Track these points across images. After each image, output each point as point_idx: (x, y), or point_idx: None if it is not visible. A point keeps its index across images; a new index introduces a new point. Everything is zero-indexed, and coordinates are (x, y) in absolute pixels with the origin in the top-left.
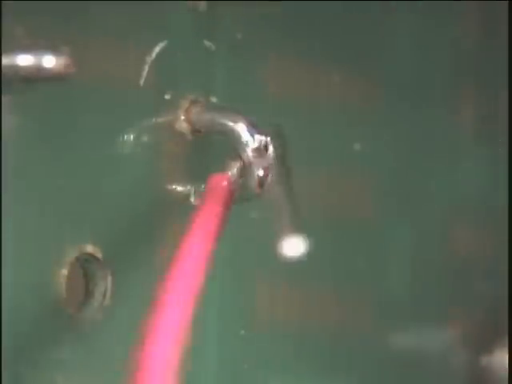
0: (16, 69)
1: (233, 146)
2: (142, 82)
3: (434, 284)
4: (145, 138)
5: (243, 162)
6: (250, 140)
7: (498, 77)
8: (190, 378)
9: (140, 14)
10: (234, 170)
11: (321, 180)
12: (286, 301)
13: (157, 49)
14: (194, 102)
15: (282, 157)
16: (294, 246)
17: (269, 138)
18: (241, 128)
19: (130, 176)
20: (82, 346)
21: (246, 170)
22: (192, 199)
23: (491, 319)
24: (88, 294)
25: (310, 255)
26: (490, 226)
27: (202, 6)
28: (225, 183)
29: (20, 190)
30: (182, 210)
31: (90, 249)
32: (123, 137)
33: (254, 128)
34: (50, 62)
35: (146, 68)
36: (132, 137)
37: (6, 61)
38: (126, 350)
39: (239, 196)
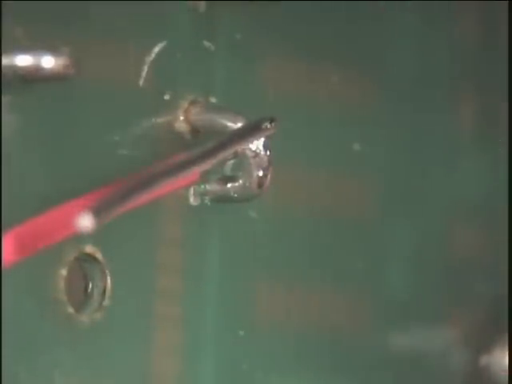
0: (15, 69)
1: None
2: (141, 82)
3: (434, 284)
4: (144, 139)
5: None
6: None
7: (498, 77)
8: (188, 379)
9: (140, 14)
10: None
11: (321, 180)
12: (286, 301)
13: (156, 49)
14: (193, 103)
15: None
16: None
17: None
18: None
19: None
20: (81, 346)
21: (245, 170)
22: (191, 199)
23: (491, 319)
24: (87, 294)
25: (310, 255)
26: (490, 226)
27: (202, 6)
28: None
29: (20, 189)
30: (182, 210)
31: (89, 249)
32: (123, 137)
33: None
34: (49, 62)
35: (146, 68)
36: (131, 137)
37: (5, 61)
38: (125, 350)
39: (239, 196)
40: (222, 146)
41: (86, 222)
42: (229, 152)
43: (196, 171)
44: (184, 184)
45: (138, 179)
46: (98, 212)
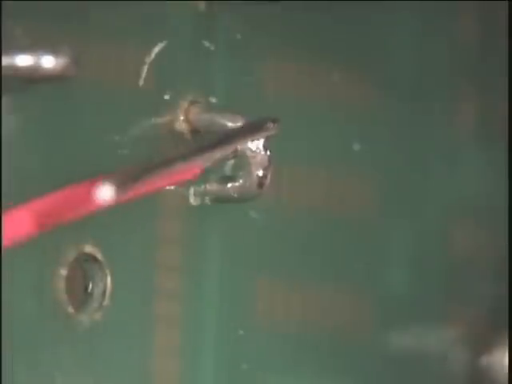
0: (15, 69)
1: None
2: (141, 82)
3: (434, 284)
4: (144, 139)
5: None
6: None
7: (498, 77)
8: (189, 379)
9: (140, 14)
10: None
11: (321, 180)
12: (286, 300)
13: (156, 49)
14: (193, 103)
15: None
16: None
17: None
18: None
19: None
20: (82, 346)
21: (245, 170)
22: (191, 199)
23: (491, 319)
24: (87, 294)
25: (310, 255)
26: (490, 226)
27: (202, 6)
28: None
29: (20, 189)
30: (182, 210)
31: (89, 249)
32: (123, 137)
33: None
34: (49, 62)
35: (146, 68)
36: (131, 137)
37: (5, 61)
38: (125, 351)
39: (239, 196)
40: (228, 138)
41: (105, 192)
42: (234, 146)
43: (201, 163)
44: (187, 177)
45: (158, 159)
46: (118, 182)
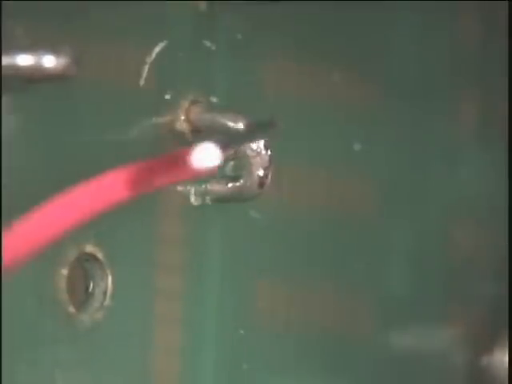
0: (16, 69)
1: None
2: (142, 82)
3: (434, 284)
4: (145, 139)
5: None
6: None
7: (498, 77)
8: (187, 378)
9: (140, 14)
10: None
11: (321, 180)
12: (286, 301)
13: (157, 49)
14: (194, 102)
15: None
16: (206, 155)
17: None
18: (241, 128)
19: None
20: (82, 346)
21: (245, 169)
22: (192, 199)
23: (491, 319)
24: (88, 294)
25: (310, 255)
26: (490, 226)
27: (203, 5)
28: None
29: (20, 189)
30: (183, 210)
31: (90, 249)
32: (123, 137)
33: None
34: (50, 61)
35: (146, 68)
36: (132, 137)
37: (5, 61)
38: (125, 350)
39: (240, 196)
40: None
41: (210, 152)
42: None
43: None
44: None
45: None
46: (220, 144)
